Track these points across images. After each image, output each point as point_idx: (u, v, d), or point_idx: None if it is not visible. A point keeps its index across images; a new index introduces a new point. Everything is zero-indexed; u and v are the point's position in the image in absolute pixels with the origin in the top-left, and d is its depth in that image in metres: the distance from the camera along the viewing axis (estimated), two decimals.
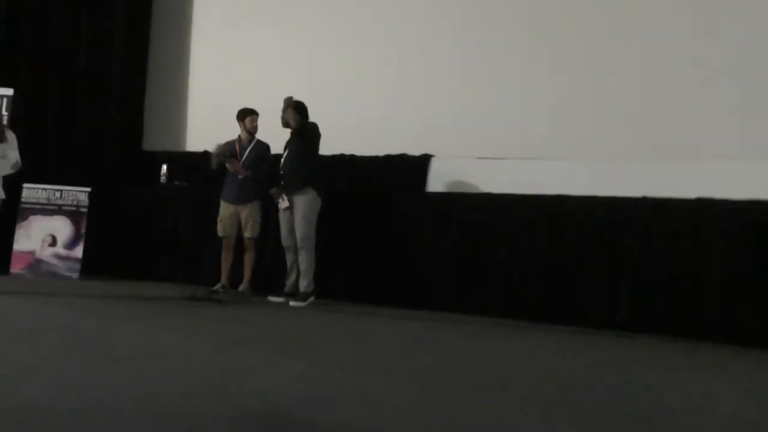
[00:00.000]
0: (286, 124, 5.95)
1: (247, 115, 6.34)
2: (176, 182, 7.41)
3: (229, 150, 6.22)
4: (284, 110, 5.87)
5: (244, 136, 6.35)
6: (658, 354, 4.45)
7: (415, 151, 6.64)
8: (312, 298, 5.82)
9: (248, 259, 6.31)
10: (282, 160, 6.06)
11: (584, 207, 5.53)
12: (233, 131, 6.50)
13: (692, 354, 4.52)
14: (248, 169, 6.23)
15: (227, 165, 6.20)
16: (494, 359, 3.84)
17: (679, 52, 5.68)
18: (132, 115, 8.26)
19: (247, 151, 6.34)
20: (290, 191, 5.92)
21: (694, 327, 5.02)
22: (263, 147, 6.37)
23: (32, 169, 6.81)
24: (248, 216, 6.25)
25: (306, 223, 5.82)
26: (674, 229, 5.19)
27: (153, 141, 8.35)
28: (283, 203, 5.94)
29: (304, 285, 5.82)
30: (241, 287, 6.29)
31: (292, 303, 5.74)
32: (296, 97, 5.99)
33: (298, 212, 5.85)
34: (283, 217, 6.01)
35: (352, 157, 6.73)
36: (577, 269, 5.48)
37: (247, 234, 6.27)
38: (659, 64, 5.77)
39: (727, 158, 5.26)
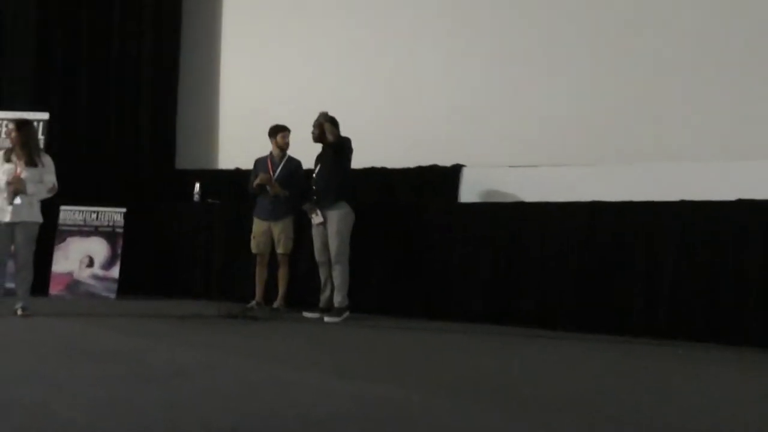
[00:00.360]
0: (318, 139, 5.95)
1: (278, 132, 6.37)
2: (209, 200, 7.43)
3: (269, 177, 6.23)
4: (316, 125, 5.88)
5: (276, 152, 6.36)
6: (699, 362, 4.34)
7: (446, 161, 6.61)
8: (347, 314, 5.79)
9: (282, 276, 6.30)
10: (314, 175, 6.05)
11: (620, 212, 5.46)
12: (264, 148, 6.52)
13: (734, 360, 4.40)
14: (281, 185, 6.25)
15: (267, 187, 6.24)
16: (535, 371, 3.77)
17: (712, 51, 5.60)
18: (164, 135, 8.36)
19: (279, 167, 6.34)
20: (323, 206, 5.89)
21: (736, 332, 4.90)
22: (295, 163, 6.37)
23: (68, 191, 6.85)
24: (281, 232, 6.24)
25: (340, 238, 5.79)
26: (714, 232, 5.08)
27: (185, 160, 8.43)
28: (317, 218, 5.91)
29: (338, 300, 5.80)
30: (276, 303, 6.27)
31: (326, 318, 5.71)
32: (326, 106, 5.98)
33: (331, 227, 5.82)
34: (316, 232, 5.97)
35: (383, 169, 6.72)
36: (615, 276, 5.39)
37: (279, 250, 6.26)
38: (691, 65, 5.69)
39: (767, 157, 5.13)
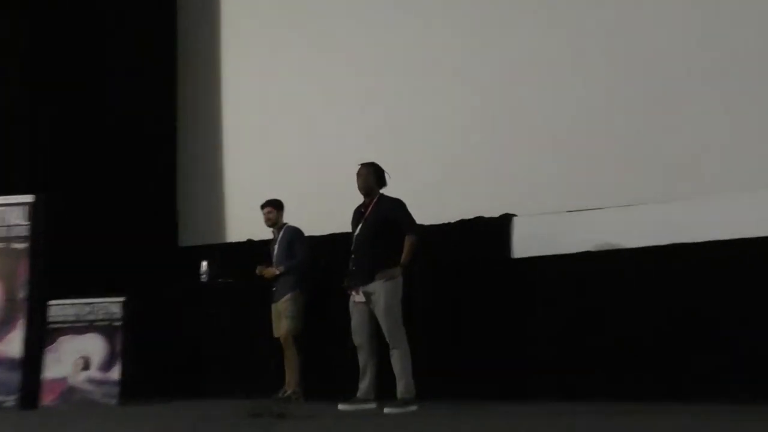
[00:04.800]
0: (366, 191, 5.64)
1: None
2: (220, 279, 7.15)
3: (261, 268, 6.46)
4: (363, 174, 5.64)
5: (273, 230, 6.56)
6: None
7: (493, 212, 6.32)
8: (414, 407, 5.24)
9: (287, 360, 6.24)
10: (354, 238, 5.60)
11: (704, 253, 5.18)
12: None
13: None
14: (280, 263, 6.36)
15: (259, 273, 6.43)
16: None
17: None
18: (163, 210, 8.26)
19: (277, 243, 6.46)
20: (365, 280, 5.45)
21: None
22: (290, 233, 6.44)
23: (58, 282, 6.80)
24: (282, 312, 6.25)
25: (391, 318, 5.34)
26: None
27: (189, 235, 8.29)
28: (358, 297, 5.49)
29: (401, 389, 5.31)
30: (288, 392, 6.17)
31: (387, 410, 5.20)
32: (348, 165, 5.72)
33: (378, 304, 5.37)
34: (354, 309, 5.55)
35: (420, 227, 6.20)
36: (707, 330, 5.10)
37: (280, 332, 6.24)
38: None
39: None
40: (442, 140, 6.74)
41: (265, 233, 6.72)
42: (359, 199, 5.70)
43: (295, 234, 6.42)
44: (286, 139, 7.67)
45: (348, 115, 7.28)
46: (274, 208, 6.50)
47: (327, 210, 6.61)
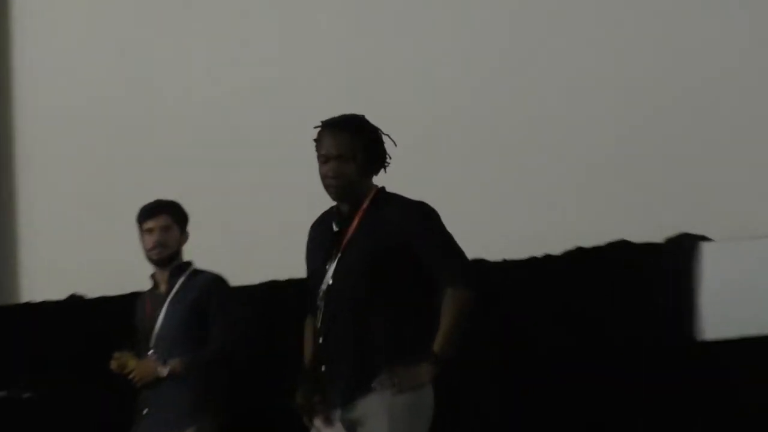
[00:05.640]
0: (341, 188, 3.35)
1: (140, 223, 4.20)
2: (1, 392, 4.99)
3: (124, 359, 4.07)
4: (340, 161, 3.55)
5: (158, 274, 4.14)
6: None
7: (652, 232, 3.98)
8: None
9: None
10: (319, 295, 3.40)
11: None
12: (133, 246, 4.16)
13: None
14: (172, 351, 4.07)
15: (118, 371, 4.10)
16: None
17: None
18: None
19: (165, 306, 4.09)
20: (348, 391, 3.43)
21: None
22: (204, 283, 4.11)
23: None
24: None
25: None
26: None
27: None
28: None
29: None
30: None
31: None
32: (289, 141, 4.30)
33: None
34: None
35: (482, 263, 4.17)
36: None
37: None
38: None
39: None
40: (503, 89, 4.38)
41: (119, 283, 4.54)
42: (318, 206, 3.61)
43: (213, 290, 4.02)
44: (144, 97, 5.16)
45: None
46: (172, 219, 3.97)
47: (248, 239, 4.78)
